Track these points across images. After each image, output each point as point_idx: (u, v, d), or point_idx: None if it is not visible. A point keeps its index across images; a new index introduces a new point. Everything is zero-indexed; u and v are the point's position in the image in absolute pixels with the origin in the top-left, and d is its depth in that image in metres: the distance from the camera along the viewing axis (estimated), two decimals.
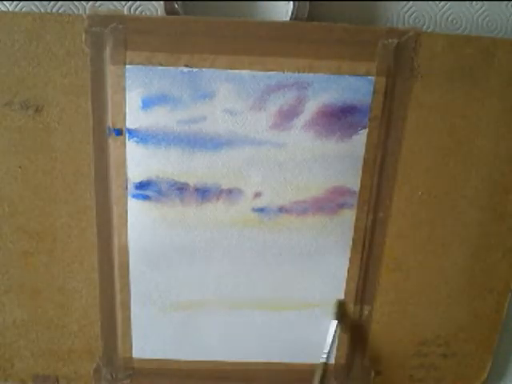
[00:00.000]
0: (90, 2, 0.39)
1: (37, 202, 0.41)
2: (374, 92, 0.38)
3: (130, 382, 0.46)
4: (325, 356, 0.44)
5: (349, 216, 0.42)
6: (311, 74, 0.38)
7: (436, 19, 0.41)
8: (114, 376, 0.46)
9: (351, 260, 0.43)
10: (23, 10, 0.38)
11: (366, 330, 0.46)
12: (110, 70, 0.37)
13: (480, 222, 0.43)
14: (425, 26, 0.41)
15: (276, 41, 0.37)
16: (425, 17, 0.41)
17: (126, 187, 0.40)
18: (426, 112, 0.40)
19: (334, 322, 0.44)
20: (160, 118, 0.38)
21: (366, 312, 0.45)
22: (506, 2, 0.41)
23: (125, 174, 0.40)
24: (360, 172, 0.41)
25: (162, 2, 0.39)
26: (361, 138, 0.40)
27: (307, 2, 0.38)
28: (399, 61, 0.38)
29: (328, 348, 0.44)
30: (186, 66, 0.37)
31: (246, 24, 0.37)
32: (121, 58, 0.37)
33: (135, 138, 0.39)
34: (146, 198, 0.40)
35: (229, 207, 0.41)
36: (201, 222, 0.41)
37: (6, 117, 0.38)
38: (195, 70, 0.37)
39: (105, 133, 0.39)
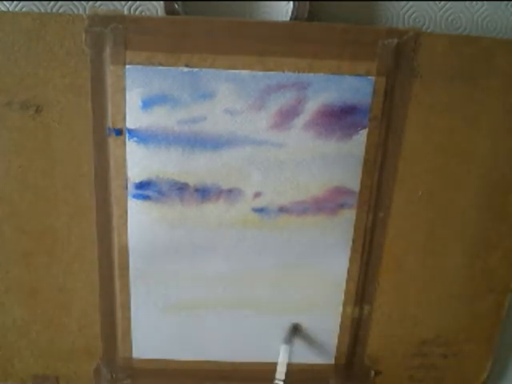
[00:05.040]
0: (90, 2, 0.39)
1: (37, 202, 0.41)
2: (374, 92, 0.38)
3: (130, 382, 0.46)
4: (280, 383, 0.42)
5: (349, 216, 0.42)
6: (311, 74, 0.38)
7: (436, 19, 0.41)
8: (113, 376, 0.46)
9: (351, 260, 0.43)
10: (23, 10, 0.38)
11: (366, 329, 0.46)
12: (110, 70, 0.37)
13: (480, 222, 0.43)
14: (425, 26, 0.41)
15: (276, 41, 0.37)
16: (425, 17, 0.41)
17: (126, 187, 0.40)
18: (426, 112, 0.40)
19: (286, 347, 0.42)
20: (160, 118, 0.38)
21: (365, 312, 0.45)
22: (505, 2, 0.41)
23: (125, 173, 0.40)
24: (360, 172, 0.41)
25: (161, 2, 0.39)
26: (361, 137, 0.40)
27: (307, 2, 0.38)
28: (399, 61, 0.38)
29: (282, 374, 0.42)
30: (186, 65, 0.37)
31: (246, 24, 0.37)
32: (121, 58, 0.37)
33: (135, 138, 0.39)
34: (146, 197, 0.40)
35: (229, 207, 0.41)
36: (201, 222, 0.41)
37: (6, 117, 0.38)
38: (195, 69, 0.37)
39: (105, 133, 0.39)
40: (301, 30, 0.37)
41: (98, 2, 0.39)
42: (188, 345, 0.46)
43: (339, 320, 0.45)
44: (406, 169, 0.41)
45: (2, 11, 0.38)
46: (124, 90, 0.38)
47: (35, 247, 0.42)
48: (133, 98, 0.38)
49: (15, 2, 0.38)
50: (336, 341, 0.46)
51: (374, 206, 0.42)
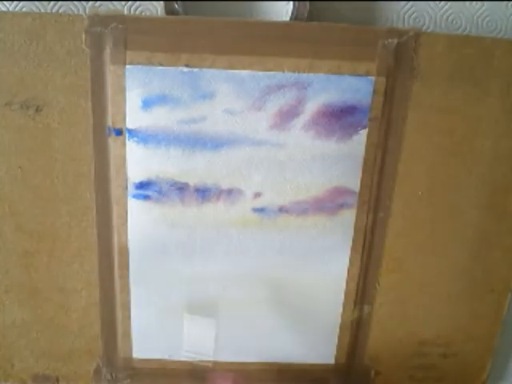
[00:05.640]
0: (90, 2, 0.39)
1: (37, 202, 0.41)
2: (374, 92, 0.38)
3: (130, 381, 0.46)
4: None
5: (349, 216, 0.42)
6: (311, 74, 0.38)
7: (436, 19, 0.41)
8: (113, 376, 0.46)
9: (351, 260, 0.43)
10: (23, 10, 0.38)
11: (366, 329, 0.46)
12: (110, 70, 0.37)
13: (480, 221, 0.43)
14: (425, 26, 0.41)
15: (276, 41, 0.37)
16: (425, 17, 0.41)
17: (126, 187, 0.40)
18: (426, 112, 0.40)
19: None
20: (160, 118, 0.38)
21: (365, 312, 0.45)
22: (505, 2, 0.41)
23: (125, 173, 0.40)
24: (360, 172, 0.41)
25: (161, 2, 0.39)
26: (361, 137, 0.40)
27: (307, 2, 0.38)
28: (399, 61, 0.38)
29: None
30: (186, 65, 0.37)
31: (246, 24, 0.37)
32: (121, 57, 0.37)
33: (135, 138, 0.39)
34: (146, 197, 0.40)
35: (229, 207, 0.41)
36: (201, 222, 0.41)
37: (6, 117, 0.38)
38: (195, 69, 0.37)
39: (105, 133, 0.39)
40: (301, 30, 0.37)
41: (98, 2, 0.39)
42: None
43: (339, 320, 0.45)
44: (405, 169, 0.41)
45: (2, 11, 0.38)
46: (124, 90, 0.38)
47: (35, 247, 0.42)
48: (133, 98, 0.38)
49: (15, 2, 0.38)
50: (336, 341, 0.46)
51: (374, 206, 0.42)
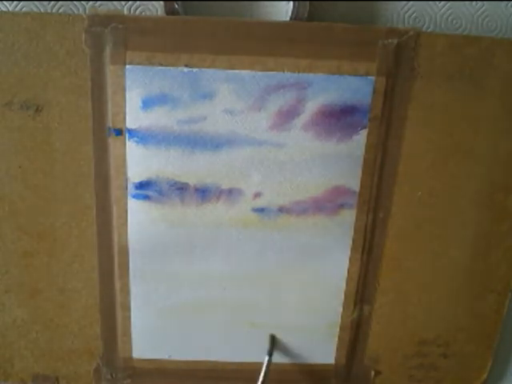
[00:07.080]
0: (90, 2, 0.39)
1: (37, 202, 0.41)
2: (374, 92, 0.38)
3: (130, 382, 0.46)
4: None
5: (349, 216, 0.42)
6: (311, 74, 0.38)
7: (436, 19, 0.41)
8: (114, 376, 0.46)
9: (351, 260, 0.43)
10: (23, 9, 0.38)
11: (366, 329, 0.46)
12: (110, 70, 0.37)
13: (480, 222, 0.43)
14: (425, 26, 0.41)
15: (276, 41, 0.37)
16: (425, 17, 0.41)
17: (126, 187, 0.40)
18: (426, 112, 0.40)
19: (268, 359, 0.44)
20: (160, 118, 0.38)
21: (366, 312, 0.45)
22: (505, 2, 0.41)
23: (125, 173, 0.40)
24: (360, 172, 0.41)
25: (161, 2, 0.39)
26: (361, 138, 0.40)
27: (307, 2, 0.38)
28: (399, 61, 0.38)
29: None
30: (186, 66, 0.37)
31: (246, 24, 0.37)
32: (121, 58, 0.37)
33: (135, 138, 0.39)
34: (146, 197, 0.40)
35: (229, 207, 0.41)
36: (201, 222, 0.41)
37: (6, 117, 0.38)
38: (195, 70, 0.37)
39: (105, 133, 0.39)
40: (301, 30, 0.37)
41: (98, 2, 0.39)
42: (188, 345, 0.46)
43: (339, 320, 0.45)
44: (405, 169, 0.41)
45: (2, 11, 0.38)
46: (124, 90, 0.38)
47: (35, 247, 0.42)
48: (133, 98, 0.38)
49: (15, 2, 0.38)
50: (336, 341, 0.46)
51: (374, 206, 0.42)
